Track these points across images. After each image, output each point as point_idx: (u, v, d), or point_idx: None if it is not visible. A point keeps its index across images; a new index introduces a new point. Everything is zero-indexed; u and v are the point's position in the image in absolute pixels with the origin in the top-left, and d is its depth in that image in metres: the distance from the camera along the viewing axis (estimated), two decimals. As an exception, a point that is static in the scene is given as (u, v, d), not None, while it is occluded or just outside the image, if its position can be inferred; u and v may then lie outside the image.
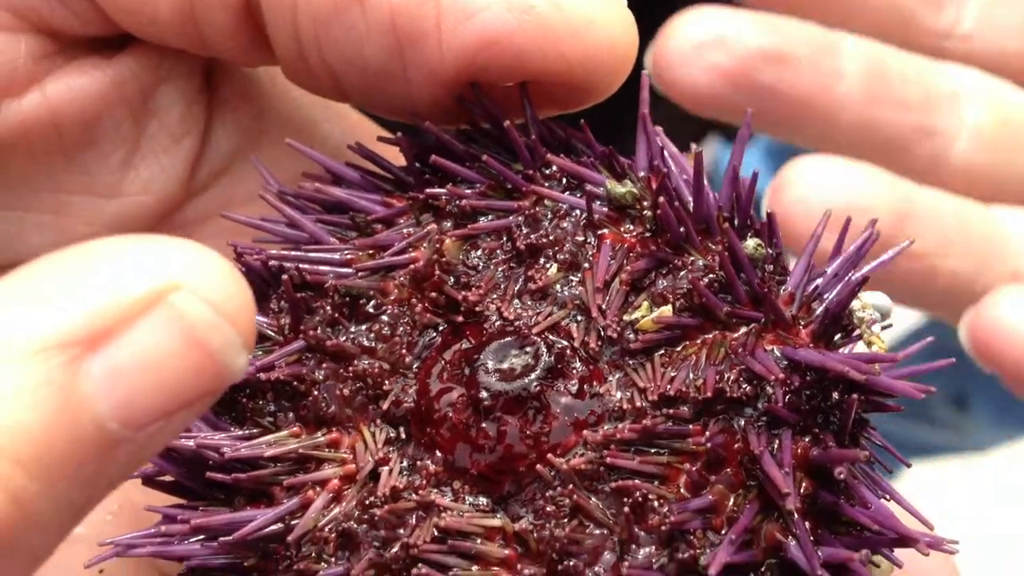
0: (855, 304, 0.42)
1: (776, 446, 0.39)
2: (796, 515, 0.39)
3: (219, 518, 0.39)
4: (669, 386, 0.40)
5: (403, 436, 0.41)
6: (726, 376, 0.40)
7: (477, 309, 0.42)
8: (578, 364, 0.41)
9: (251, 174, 0.50)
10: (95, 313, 0.28)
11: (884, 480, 0.42)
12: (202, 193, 0.49)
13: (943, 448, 2.04)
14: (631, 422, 0.39)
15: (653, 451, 0.39)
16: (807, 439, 0.40)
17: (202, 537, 0.40)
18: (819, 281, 0.43)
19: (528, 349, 0.40)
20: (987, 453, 2.02)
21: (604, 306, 0.42)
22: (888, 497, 0.41)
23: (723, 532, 0.38)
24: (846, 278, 0.41)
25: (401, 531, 0.39)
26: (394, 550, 0.39)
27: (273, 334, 0.43)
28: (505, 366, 0.40)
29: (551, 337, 0.41)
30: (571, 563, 0.38)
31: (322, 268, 0.43)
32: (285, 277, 0.42)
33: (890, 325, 0.43)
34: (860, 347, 0.43)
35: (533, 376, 0.40)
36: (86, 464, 0.28)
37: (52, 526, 0.28)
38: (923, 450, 2.05)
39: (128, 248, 0.29)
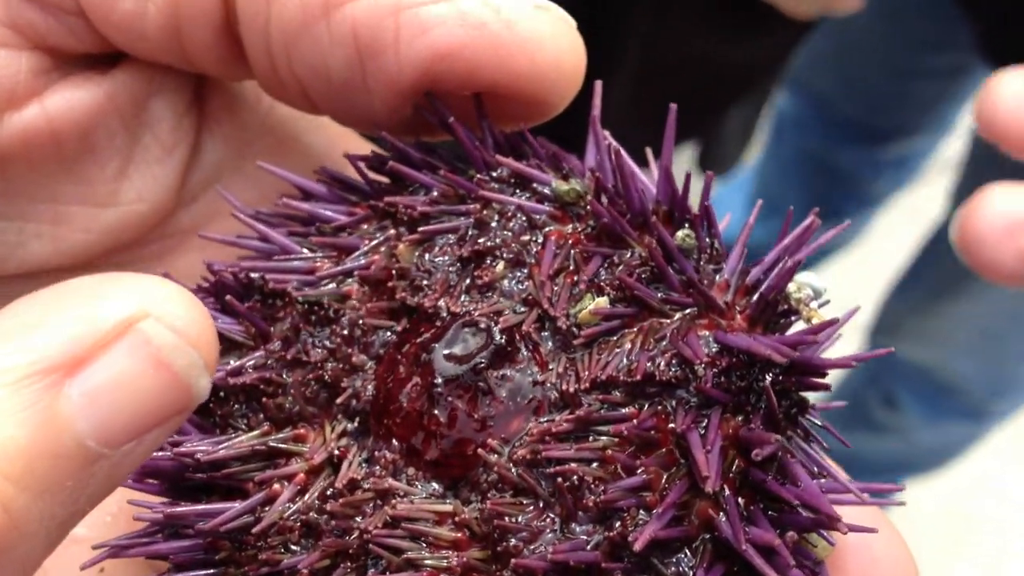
0: (791, 287, 0.44)
1: (704, 425, 0.41)
2: (727, 491, 0.40)
3: (191, 509, 0.43)
4: (601, 372, 0.42)
5: (363, 429, 0.44)
6: (657, 360, 0.42)
7: (430, 312, 0.45)
8: (524, 351, 0.43)
9: (239, 183, 0.53)
10: (72, 341, 0.32)
11: (824, 460, 0.43)
12: (193, 202, 0.53)
13: (897, 463, 2.04)
14: (567, 413, 0.42)
15: (590, 437, 0.41)
16: (739, 418, 0.41)
17: (181, 537, 0.43)
18: (755, 269, 0.44)
19: (478, 334, 0.43)
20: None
21: (553, 298, 0.44)
22: (826, 475, 0.43)
23: (657, 508, 0.40)
24: (773, 263, 0.43)
25: (358, 519, 0.42)
26: (351, 537, 0.42)
27: (244, 340, 0.46)
28: (456, 350, 0.43)
29: (498, 325, 0.44)
30: (512, 543, 0.40)
31: (288, 276, 0.46)
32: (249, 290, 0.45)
33: (827, 302, 0.44)
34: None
35: (482, 357, 0.43)
36: (68, 479, 0.31)
37: (39, 537, 0.31)
38: (878, 467, 2.05)
39: (100, 283, 0.33)
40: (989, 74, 0.63)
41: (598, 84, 0.48)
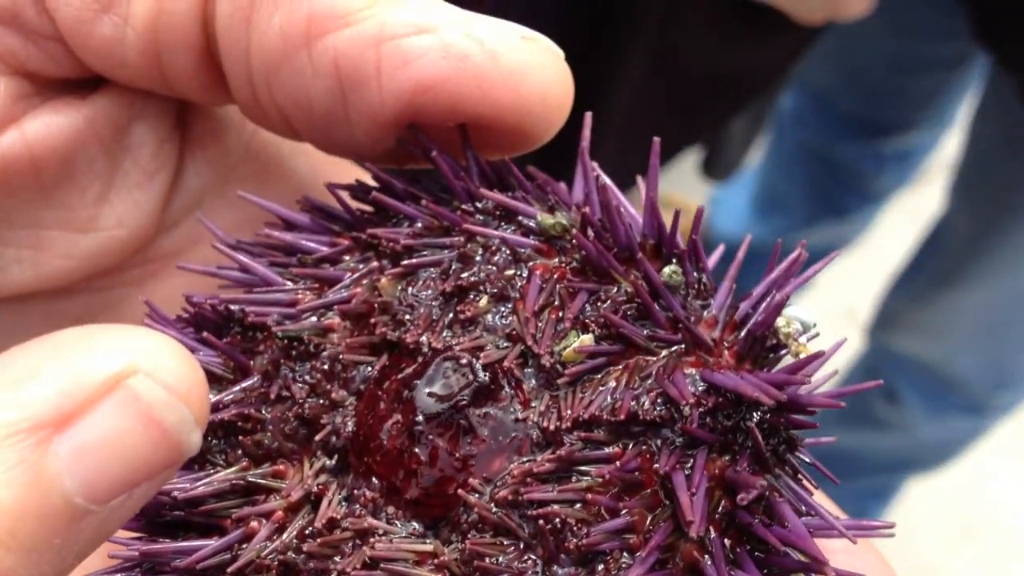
0: (779, 321, 0.43)
1: (690, 466, 0.40)
2: (713, 533, 0.40)
3: (167, 547, 0.42)
4: (584, 411, 0.41)
5: (342, 466, 0.44)
6: (642, 400, 0.41)
7: (412, 348, 0.44)
8: (507, 388, 0.43)
9: (222, 209, 0.52)
10: (60, 397, 0.31)
11: (811, 499, 0.42)
12: (174, 228, 0.52)
13: (899, 461, 2.05)
14: (549, 452, 0.41)
15: (573, 477, 0.41)
16: (726, 457, 0.41)
17: (158, 573, 0.43)
18: (743, 304, 0.43)
19: (460, 370, 0.42)
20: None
21: (537, 335, 0.43)
22: (814, 514, 0.42)
23: (640, 551, 0.40)
24: (767, 300, 0.42)
25: (337, 559, 0.41)
26: None
27: (224, 373, 0.45)
28: (438, 387, 0.42)
29: (480, 363, 0.43)
30: None
31: (269, 309, 0.46)
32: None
33: (816, 335, 0.43)
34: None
35: (464, 394, 0.42)
36: (56, 536, 0.31)
37: None
38: (881, 465, 2.05)
39: (89, 336, 0.33)
40: (988, 64, 0.63)
41: (588, 116, 0.47)
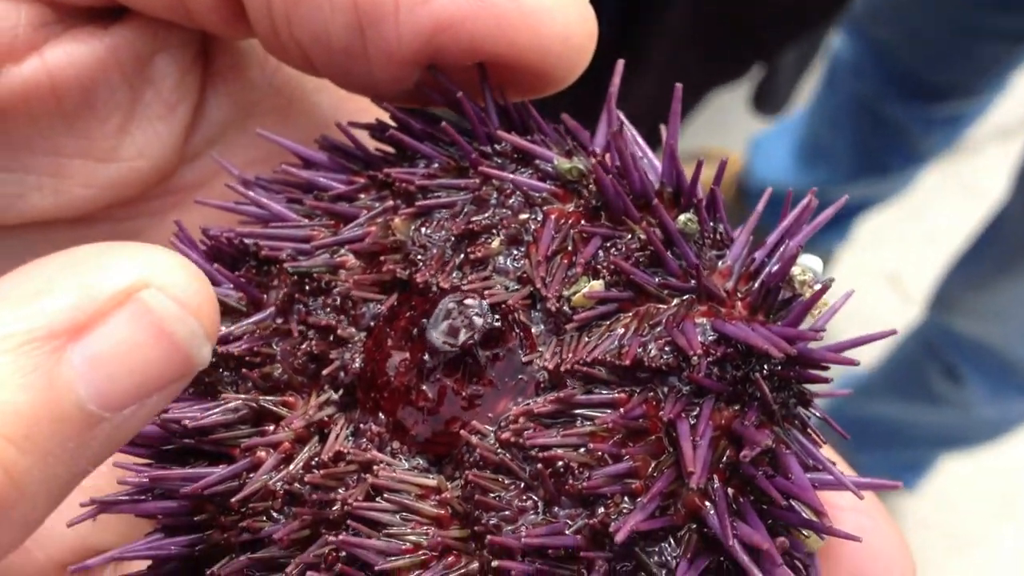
0: (794, 270, 0.42)
1: (696, 415, 0.40)
2: (716, 482, 0.40)
3: (176, 472, 0.43)
4: (588, 355, 0.41)
5: (350, 402, 0.44)
6: (649, 347, 0.41)
7: (421, 287, 0.44)
8: (515, 331, 0.42)
9: (243, 143, 0.52)
10: (75, 308, 0.32)
11: (820, 454, 0.42)
12: (195, 160, 0.52)
13: (952, 436, 2.03)
14: (551, 394, 0.41)
15: (577, 422, 0.41)
16: (735, 407, 0.40)
17: (169, 498, 0.43)
18: (758, 253, 0.43)
19: (468, 312, 0.42)
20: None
21: (547, 279, 0.43)
22: (822, 468, 0.42)
23: (642, 497, 0.39)
24: (775, 248, 0.41)
25: (340, 491, 0.42)
26: (333, 508, 0.41)
27: (238, 306, 0.46)
28: (444, 328, 0.42)
29: (489, 303, 0.43)
30: (492, 522, 0.40)
31: (283, 244, 0.46)
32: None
33: (831, 280, 0.42)
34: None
35: (471, 336, 0.42)
36: (69, 442, 0.32)
37: (40, 498, 0.32)
38: (941, 442, 2.03)
39: (102, 251, 0.34)
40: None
41: (619, 63, 0.47)
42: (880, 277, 2.66)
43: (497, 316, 0.42)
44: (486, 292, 0.43)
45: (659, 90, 1.14)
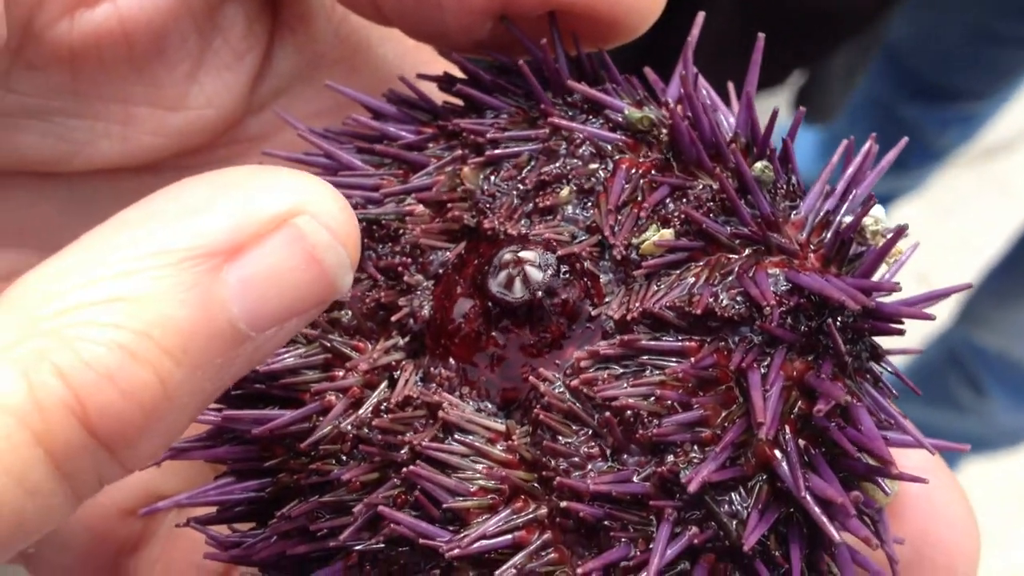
0: (866, 220, 0.42)
1: (767, 364, 0.40)
2: (788, 433, 0.39)
3: (247, 413, 0.43)
4: (658, 303, 0.41)
5: (419, 347, 0.44)
6: (720, 296, 0.40)
7: (489, 234, 0.44)
8: (583, 280, 0.42)
9: (309, 94, 0.52)
10: (233, 229, 0.33)
11: (892, 408, 0.42)
12: (262, 110, 0.52)
13: (972, 442, 2.00)
14: (616, 338, 0.41)
15: (647, 371, 0.40)
16: (808, 357, 0.40)
17: (238, 442, 0.43)
18: (827, 204, 0.43)
19: (525, 263, 0.42)
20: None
21: (616, 227, 0.43)
22: (892, 422, 0.41)
23: (712, 447, 0.39)
24: (849, 198, 0.41)
25: (409, 435, 0.42)
26: (401, 451, 0.41)
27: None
28: (504, 278, 0.42)
29: (555, 253, 0.43)
30: (561, 466, 0.40)
31: (352, 192, 0.46)
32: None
33: (906, 227, 0.42)
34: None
35: (528, 288, 0.42)
36: (218, 357, 0.33)
37: (187, 408, 0.33)
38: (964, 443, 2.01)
39: (259, 175, 0.35)
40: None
41: (700, 15, 0.46)
42: (910, 276, 2.63)
43: (555, 269, 0.42)
44: (559, 247, 0.42)
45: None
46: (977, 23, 1.81)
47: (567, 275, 0.42)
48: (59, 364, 0.31)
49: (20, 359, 0.31)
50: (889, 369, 0.42)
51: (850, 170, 0.42)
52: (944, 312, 2.10)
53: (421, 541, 0.39)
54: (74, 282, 0.32)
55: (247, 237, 0.33)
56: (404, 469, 0.40)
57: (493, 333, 0.42)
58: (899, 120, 2.05)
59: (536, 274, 0.42)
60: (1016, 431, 2.07)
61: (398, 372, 0.43)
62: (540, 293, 0.42)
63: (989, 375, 1.96)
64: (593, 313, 0.42)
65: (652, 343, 0.40)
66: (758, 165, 0.42)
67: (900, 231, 0.40)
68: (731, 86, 0.48)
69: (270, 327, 0.34)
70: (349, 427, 0.42)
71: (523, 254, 0.42)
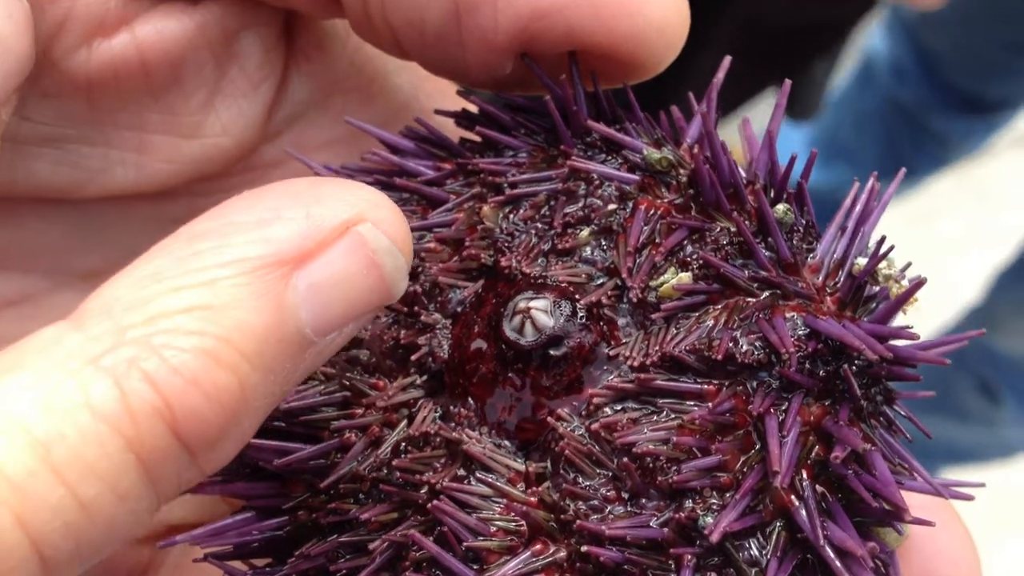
0: (880, 264, 0.43)
1: (784, 409, 0.40)
2: (805, 478, 0.40)
3: (269, 443, 0.43)
4: (677, 346, 0.41)
5: (438, 386, 0.44)
6: (740, 341, 0.41)
7: (507, 272, 0.44)
8: (600, 324, 0.43)
9: (324, 122, 0.53)
10: (302, 237, 0.35)
11: (904, 450, 0.42)
12: (277, 137, 0.52)
13: (972, 453, 2.01)
14: (632, 375, 0.41)
15: (663, 414, 0.41)
16: (825, 402, 0.41)
17: (258, 479, 0.43)
18: (839, 245, 0.43)
19: (534, 311, 0.42)
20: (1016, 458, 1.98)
21: (634, 270, 0.43)
22: (906, 467, 0.42)
23: (731, 492, 0.39)
24: (856, 240, 0.42)
25: (429, 474, 0.42)
26: (421, 491, 0.42)
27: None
28: (518, 323, 0.42)
29: (569, 298, 0.43)
30: (581, 509, 0.40)
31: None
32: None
33: (924, 280, 0.42)
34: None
35: (549, 332, 0.42)
36: (287, 362, 0.34)
37: (259, 412, 0.35)
38: (952, 455, 2.00)
39: (320, 185, 0.36)
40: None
41: (727, 59, 0.47)
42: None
43: (568, 314, 0.42)
44: (574, 290, 0.43)
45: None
46: (1015, 34, 1.82)
47: (583, 319, 0.43)
48: (148, 371, 0.32)
49: (112, 367, 0.32)
50: (902, 412, 0.43)
51: (857, 209, 0.43)
52: (950, 315, 2.09)
53: None
54: (158, 289, 0.33)
55: (314, 245, 0.34)
56: (430, 504, 0.40)
57: (510, 374, 0.42)
58: (921, 128, 2.05)
59: (546, 320, 0.42)
60: (1016, 442, 2.05)
61: (416, 409, 0.44)
62: (551, 337, 0.42)
63: (1004, 381, 1.94)
64: (611, 354, 0.42)
65: (670, 383, 0.40)
66: (780, 207, 0.43)
67: (919, 283, 0.40)
68: (743, 125, 0.48)
69: (332, 332, 0.35)
70: (368, 469, 0.42)
71: (533, 303, 0.42)
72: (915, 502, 0.45)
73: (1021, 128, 2.26)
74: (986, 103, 1.97)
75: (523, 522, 0.41)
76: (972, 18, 1.84)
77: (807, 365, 0.40)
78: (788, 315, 0.41)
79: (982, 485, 0.43)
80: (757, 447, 0.40)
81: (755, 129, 0.47)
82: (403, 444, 0.43)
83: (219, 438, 0.33)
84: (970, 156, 2.15)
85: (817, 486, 0.40)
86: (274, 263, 0.34)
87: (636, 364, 0.41)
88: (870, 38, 2.08)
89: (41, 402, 0.31)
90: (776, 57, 1.42)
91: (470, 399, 0.43)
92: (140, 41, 0.46)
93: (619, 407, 0.41)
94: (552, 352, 0.42)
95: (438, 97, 0.53)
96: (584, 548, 0.39)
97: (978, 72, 1.92)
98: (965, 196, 2.51)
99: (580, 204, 0.44)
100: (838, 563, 0.38)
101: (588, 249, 0.44)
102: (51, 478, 0.31)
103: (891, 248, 0.42)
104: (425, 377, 0.44)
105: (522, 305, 0.42)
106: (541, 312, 0.42)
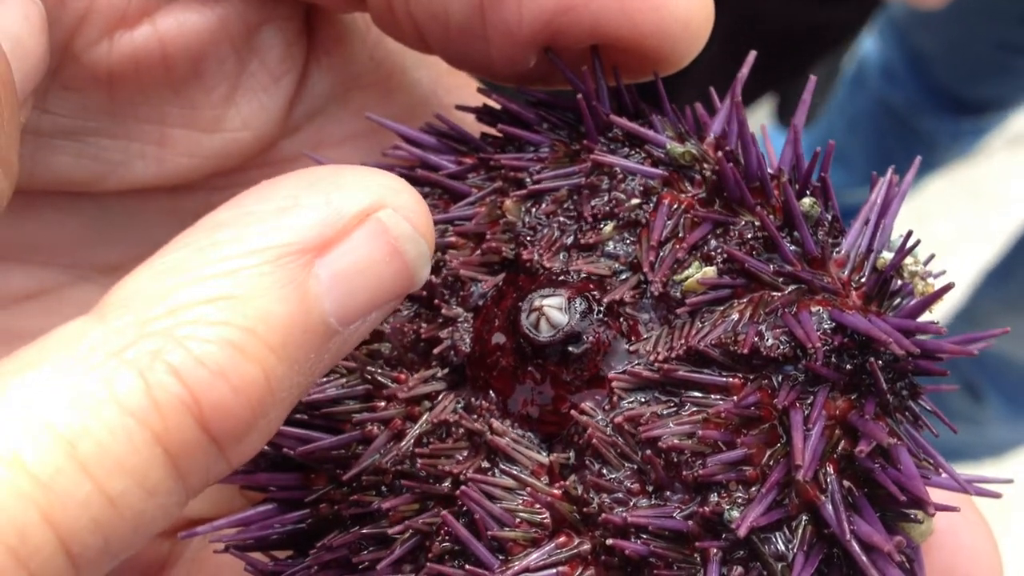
0: (906, 260, 0.43)
1: (809, 403, 0.40)
2: (831, 472, 0.40)
3: (291, 431, 0.43)
4: (701, 340, 0.41)
5: (460, 379, 0.44)
6: (765, 335, 0.41)
7: (528, 265, 0.44)
8: (620, 320, 0.42)
9: (345, 116, 0.52)
10: (323, 224, 0.34)
11: (931, 448, 0.42)
12: (297, 132, 0.52)
13: (961, 452, 2.01)
14: (655, 365, 0.41)
15: (686, 408, 0.40)
16: (851, 396, 0.40)
17: (280, 469, 0.43)
18: (863, 239, 0.43)
19: (548, 308, 0.42)
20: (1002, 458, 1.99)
21: (656, 264, 0.43)
22: (930, 461, 0.42)
23: (756, 486, 0.39)
24: (878, 233, 0.42)
25: (452, 465, 0.42)
26: (443, 483, 0.41)
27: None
28: (534, 319, 0.42)
29: (585, 295, 0.43)
30: (606, 501, 0.40)
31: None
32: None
33: (952, 285, 0.42)
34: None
35: (556, 332, 0.42)
36: (312, 352, 0.34)
37: (284, 403, 0.34)
38: (944, 455, 2.00)
39: (340, 173, 0.35)
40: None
41: (752, 54, 0.47)
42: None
43: (584, 310, 0.42)
44: (595, 287, 0.43)
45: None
46: (1006, 34, 1.81)
47: (600, 316, 0.42)
48: (173, 363, 0.31)
49: (135, 360, 0.31)
50: (927, 407, 0.43)
51: (878, 201, 0.43)
52: (939, 316, 2.08)
53: (467, 568, 0.40)
54: (180, 281, 0.32)
55: (335, 232, 0.34)
56: (458, 491, 0.40)
57: (529, 368, 0.42)
58: (910, 130, 2.04)
59: (560, 317, 0.42)
60: (1004, 440, 2.06)
61: (438, 401, 0.43)
62: (568, 334, 0.42)
63: (988, 381, 1.94)
64: (631, 349, 0.42)
65: (695, 375, 0.40)
66: (806, 201, 0.43)
67: (948, 287, 0.40)
68: (763, 126, 0.48)
69: (356, 320, 0.35)
70: (390, 462, 0.42)
71: (547, 301, 0.42)
72: (937, 498, 0.45)
73: (1014, 129, 2.27)
74: (977, 104, 1.97)
75: (547, 514, 0.40)
76: (966, 16, 1.84)
77: (833, 359, 0.40)
78: (814, 309, 0.41)
79: (1010, 481, 0.43)
80: (783, 441, 0.40)
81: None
82: (425, 438, 0.43)
83: (246, 431, 0.32)
84: (962, 158, 2.15)
85: (844, 481, 0.40)
86: (296, 251, 0.33)
87: (661, 357, 0.41)
88: (862, 41, 2.09)
89: (66, 397, 0.30)
90: (775, 62, 1.43)
91: (492, 392, 0.43)
92: (161, 34, 0.46)
93: (644, 399, 0.41)
94: (571, 349, 0.42)
95: (457, 92, 0.53)
96: (609, 541, 0.39)
97: (970, 73, 1.92)
98: (958, 197, 2.51)
99: (604, 199, 0.44)
100: (864, 558, 0.38)
101: (611, 244, 0.44)
102: (78, 474, 0.30)
103: (917, 243, 0.42)
104: (447, 370, 0.44)
105: (537, 303, 0.42)
106: (555, 310, 0.42)
